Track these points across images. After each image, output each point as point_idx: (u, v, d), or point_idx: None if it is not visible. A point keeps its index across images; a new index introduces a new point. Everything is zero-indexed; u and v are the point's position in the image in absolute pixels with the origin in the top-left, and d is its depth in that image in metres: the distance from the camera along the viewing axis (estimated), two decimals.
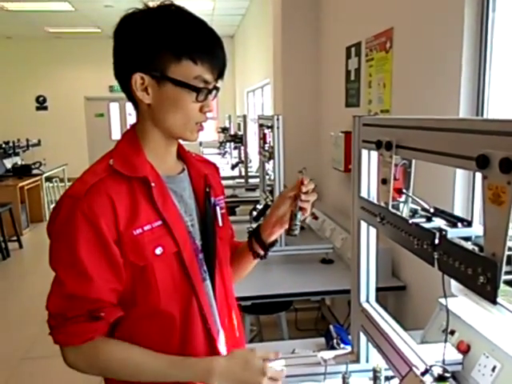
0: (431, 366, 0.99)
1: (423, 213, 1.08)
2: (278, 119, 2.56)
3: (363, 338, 1.41)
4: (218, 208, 1.10)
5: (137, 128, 1.01)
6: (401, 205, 1.15)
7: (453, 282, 1.97)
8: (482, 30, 1.67)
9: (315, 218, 3.29)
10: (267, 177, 3.44)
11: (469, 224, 0.89)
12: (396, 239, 1.07)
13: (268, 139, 3.00)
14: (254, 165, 5.79)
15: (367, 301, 1.40)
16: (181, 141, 1.06)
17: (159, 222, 0.94)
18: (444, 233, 0.87)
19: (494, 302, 0.73)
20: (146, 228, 0.92)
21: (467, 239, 0.89)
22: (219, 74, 0.97)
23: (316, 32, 3.70)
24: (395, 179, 1.11)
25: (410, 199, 1.14)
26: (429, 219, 1.00)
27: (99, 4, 7.57)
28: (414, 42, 2.14)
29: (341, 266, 2.64)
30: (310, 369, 1.42)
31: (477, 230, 0.87)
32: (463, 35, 1.71)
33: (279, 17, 3.85)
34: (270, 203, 2.92)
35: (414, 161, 1.11)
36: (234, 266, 1.20)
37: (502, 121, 0.72)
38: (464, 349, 1.50)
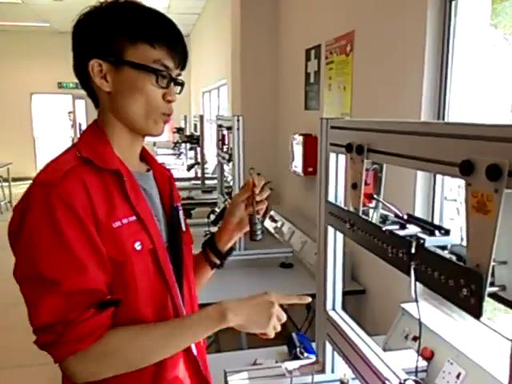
0: (405, 380, 0.95)
1: (394, 219, 1.05)
2: (238, 120, 2.48)
3: (329, 347, 1.37)
4: (180, 213, 1.06)
5: (99, 122, 0.95)
6: (370, 211, 1.11)
7: (412, 287, 1.98)
8: (445, 34, 1.69)
9: (273, 220, 3.25)
10: (225, 179, 3.37)
11: (446, 232, 0.85)
12: (367, 246, 1.02)
13: (227, 140, 2.92)
14: (210, 166, 5.69)
15: (333, 309, 1.35)
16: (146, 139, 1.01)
17: (134, 217, 0.89)
18: (422, 241, 0.83)
19: (478, 316, 0.69)
20: (124, 221, 0.86)
21: (443, 248, 0.86)
22: (180, 62, 0.94)
23: (275, 33, 3.67)
24: (366, 184, 1.07)
25: (380, 205, 1.10)
26: (402, 226, 0.95)
27: None
28: (376, 46, 2.14)
29: (300, 269, 2.60)
30: (274, 381, 1.35)
31: (455, 238, 0.84)
32: (425, 39, 1.72)
33: (238, 17, 3.78)
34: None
35: (385, 165, 1.07)
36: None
37: (490, 126, 0.68)
38: (428, 355, 1.49)
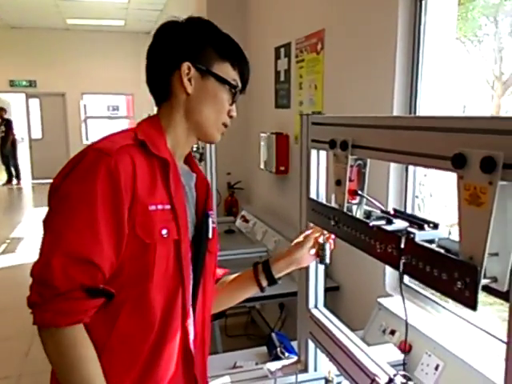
0: (395, 375, 0.95)
1: (379, 214, 1.05)
2: None
3: (311, 346, 1.36)
4: (210, 220, 1.08)
5: (162, 117, 1.01)
6: (354, 207, 1.11)
7: (387, 281, 2.01)
8: (415, 31, 1.72)
9: (245, 220, 3.23)
10: None
11: (435, 226, 0.85)
12: (353, 243, 1.02)
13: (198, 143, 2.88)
14: None
15: (316, 306, 1.35)
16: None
17: (168, 206, 0.93)
18: (412, 236, 0.83)
19: (474, 307, 0.69)
20: (159, 207, 0.91)
21: (430, 242, 0.86)
22: (245, 86, 1.05)
23: (244, 31, 3.65)
24: (350, 180, 1.07)
25: (364, 201, 1.10)
26: (389, 221, 0.96)
27: None
28: (347, 44, 2.16)
29: None
30: (258, 383, 1.33)
31: (443, 232, 0.84)
32: (397, 37, 1.75)
33: (204, 14, 3.73)
34: None
35: (368, 161, 1.07)
36: (228, 292, 1.20)
37: (483, 118, 0.69)
38: (406, 348, 1.51)
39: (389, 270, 1.92)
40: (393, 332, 1.64)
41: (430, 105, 1.80)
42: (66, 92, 10.61)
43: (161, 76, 1.00)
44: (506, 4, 2.64)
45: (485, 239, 0.68)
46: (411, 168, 1.82)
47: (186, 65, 0.97)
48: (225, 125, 1.04)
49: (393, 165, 1.83)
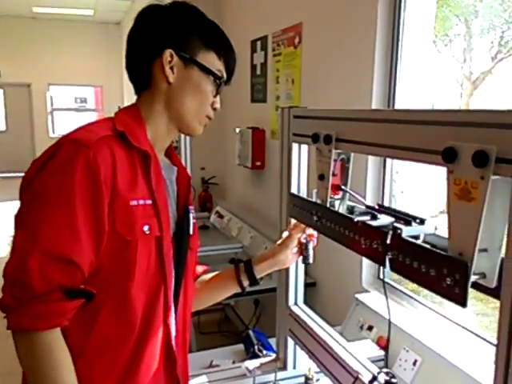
0: (378, 373, 0.94)
1: (362, 210, 1.03)
2: None
3: (290, 343, 1.34)
4: (191, 216, 1.04)
5: (141, 107, 0.97)
6: (336, 202, 1.09)
7: (364, 277, 2.02)
8: (395, 25, 1.71)
9: (220, 216, 3.19)
10: None
11: (422, 222, 0.84)
12: (337, 239, 1.00)
13: None
14: None
15: (296, 303, 1.33)
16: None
17: (150, 201, 0.89)
18: (399, 231, 0.81)
19: (464, 304, 0.68)
20: (140, 202, 0.87)
21: (415, 237, 0.85)
22: (230, 77, 1.02)
23: (219, 22, 3.54)
24: (333, 175, 1.04)
25: (347, 196, 1.08)
26: (374, 217, 0.94)
27: None
28: (325, 38, 2.14)
29: None
30: (236, 382, 1.30)
31: (430, 227, 0.83)
32: (376, 31, 1.74)
33: None
34: None
35: (352, 155, 1.05)
36: (208, 291, 1.16)
37: (474, 111, 0.67)
38: (384, 344, 1.51)
39: (365, 265, 1.92)
40: (370, 328, 1.64)
41: (405, 101, 1.80)
42: (31, 83, 10.23)
43: (141, 63, 0.95)
44: (476, 5, 2.70)
45: (475, 235, 0.66)
46: (389, 163, 1.83)
47: (168, 52, 0.92)
48: (208, 117, 1.00)
49: (370, 160, 1.83)
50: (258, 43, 2.86)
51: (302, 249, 1.17)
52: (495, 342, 1.25)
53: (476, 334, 1.39)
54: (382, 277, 1.90)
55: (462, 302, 0.68)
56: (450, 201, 0.71)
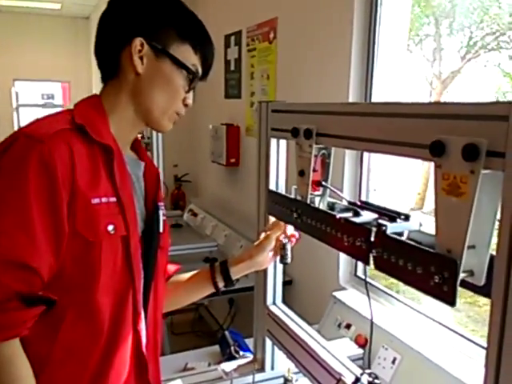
0: (361, 374, 0.91)
1: (343, 206, 1.00)
2: None
3: (268, 344, 1.30)
4: (161, 212, 0.99)
5: (105, 98, 0.91)
6: (316, 198, 1.06)
7: (341, 274, 2.00)
8: (371, 20, 1.70)
9: (193, 214, 3.12)
10: None
11: (406, 218, 0.82)
12: (317, 236, 0.96)
13: (144, 132, 2.73)
14: None
15: (274, 303, 1.29)
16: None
17: (114, 199, 0.83)
18: (384, 228, 0.79)
19: (453, 303, 0.66)
20: (103, 200, 0.81)
21: (399, 234, 0.82)
22: (206, 73, 0.96)
23: None
24: (314, 171, 1.01)
25: (328, 192, 1.05)
26: (356, 213, 0.91)
27: None
28: (301, 33, 2.11)
29: None
30: None
31: (415, 224, 0.81)
32: (353, 25, 1.72)
33: None
34: None
35: (333, 150, 1.02)
36: (182, 292, 1.13)
37: (464, 104, 0.65)
38: (362, 342, 1.49)
39: (342, 262, 1.91)
40: (348, 326, 1.62)
41: (380, 98, 1.79)
42: None
43: (109, 49, 0.89)
44: (447, 5, 2.73)
45: (465, 231, 0.64)
46: (366, 160, 1.81)
47: (138, 40, 0.86)
48: (178, 113, 0.94)
49: (348, 156, 1.81)
50: (232, 38, 2.81)
51: (280, 248, 1.13)
52: (470, 337, 1.25)
53: (453, 330, 1.39)
54: (358, 274, 1.89)
55: (451, 300, 0.66)
56: (437, 196, 0.68)
